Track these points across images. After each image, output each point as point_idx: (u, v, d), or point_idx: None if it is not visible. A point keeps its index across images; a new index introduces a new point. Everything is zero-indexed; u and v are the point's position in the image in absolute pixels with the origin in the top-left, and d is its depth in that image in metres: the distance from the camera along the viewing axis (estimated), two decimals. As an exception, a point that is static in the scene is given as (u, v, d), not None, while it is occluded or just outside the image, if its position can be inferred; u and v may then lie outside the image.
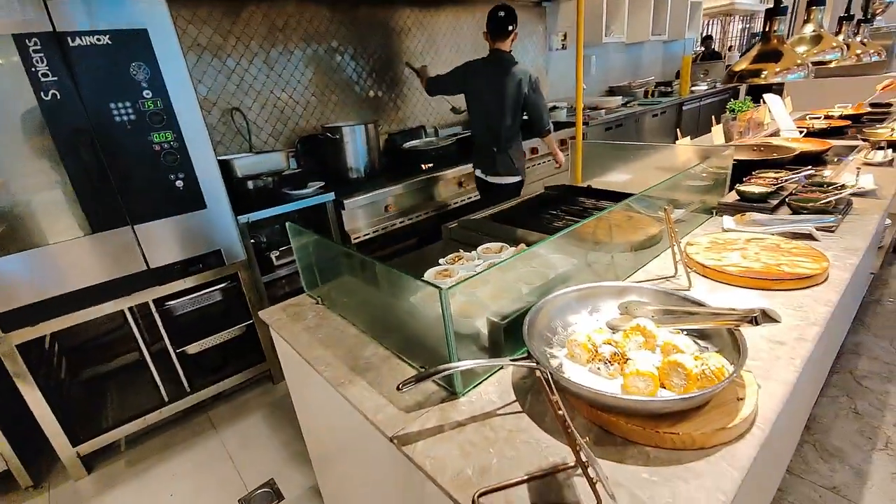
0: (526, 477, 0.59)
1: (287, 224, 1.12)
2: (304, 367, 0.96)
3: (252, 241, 2.05)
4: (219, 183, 1.79)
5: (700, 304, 0.77)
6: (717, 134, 2.19)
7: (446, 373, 0.65)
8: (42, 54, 1.40)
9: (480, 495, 0.57)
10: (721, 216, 1.37)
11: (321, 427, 1.13)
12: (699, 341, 0.75)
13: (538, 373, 0.58)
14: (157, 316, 1.83)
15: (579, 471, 0.58)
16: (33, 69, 1.40)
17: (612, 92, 4.84)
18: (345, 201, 2.27)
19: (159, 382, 1.91)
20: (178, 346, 1.90)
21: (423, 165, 2.68)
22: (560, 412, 0.52)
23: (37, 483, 1.77)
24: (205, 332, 1.97)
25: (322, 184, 2.30)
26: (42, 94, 1.41)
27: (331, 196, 2.22)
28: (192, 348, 1.94)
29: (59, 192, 1.51)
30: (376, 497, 0.95)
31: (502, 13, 2.21)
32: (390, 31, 2.99)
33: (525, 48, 3.86)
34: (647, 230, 1.21)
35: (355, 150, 2.54)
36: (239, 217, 1.92)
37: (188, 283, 1.84)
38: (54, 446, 1.71)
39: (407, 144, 2.94)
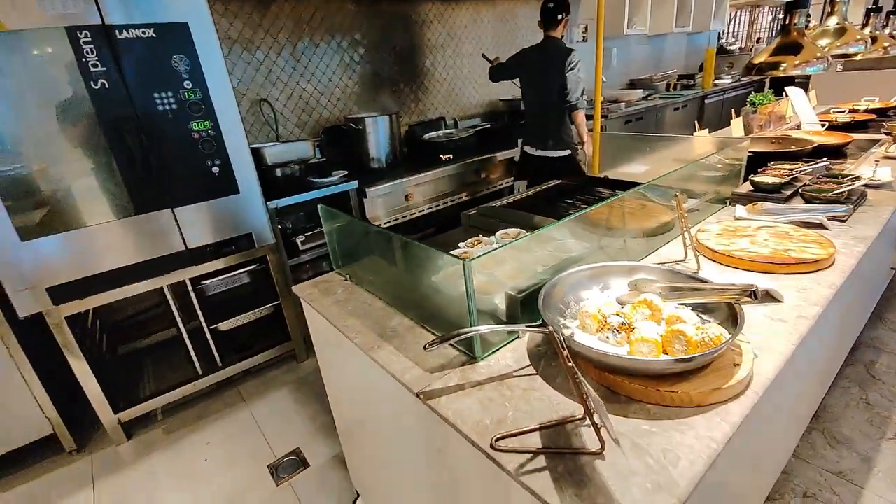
0: (538, 426, 0.66)
1: (319, 206, 1.20)
2: (335, 336, 1.05)
3: (279, 226, 2.16)
4: (251, 170, 1.89)
5: (704, 282, 0.82)
6: (736, 127, 2.20)
7: (468, 335, 0.73)
8: (92, 46, 1.51)
9: (497, 439, 0.64)
10: (734, 206, 1.41)
11: (348, 393, 1.22)
12: (702, 315, 0.80)
13: (551, 333, 0.65)
14: (192, 294, 1.95)
15: (587, 422, 0.65)
16: (83, 59, 1.51)
17: (632, 85, 4.81)
18: (367, 190, 2.36)
19: (194, 357, 2.04)
20: (211, 323, 2.02)
21: (442, 156, 2.74)
22: (570, 364, 0.59)
23: (80, 447, 1.91)
24: (235, 310, 2.09)
25: (345, 173, 2.39)
26: (91, 83, 1.53)
27: (354, 184, 2.31)
28: (224, 326, 2.06)
29: (107, 177, 1.62)
30: (400, 457, 1.04)
31: (551, 4, 2.44)
32: (412, 24, 3.05)
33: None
34: (659, 217, 1.26)
35: (377, 140, 2.63)
36: (268, 203, 2.03)
37: (221, 264, 1.96)
38: (97, 413, 1.84)
39: (427, 135, 3.01)
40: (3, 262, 1.52)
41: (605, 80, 4.07)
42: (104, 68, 1.52)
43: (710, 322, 0.78)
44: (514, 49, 2.75)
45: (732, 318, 0.75)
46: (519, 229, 1.33)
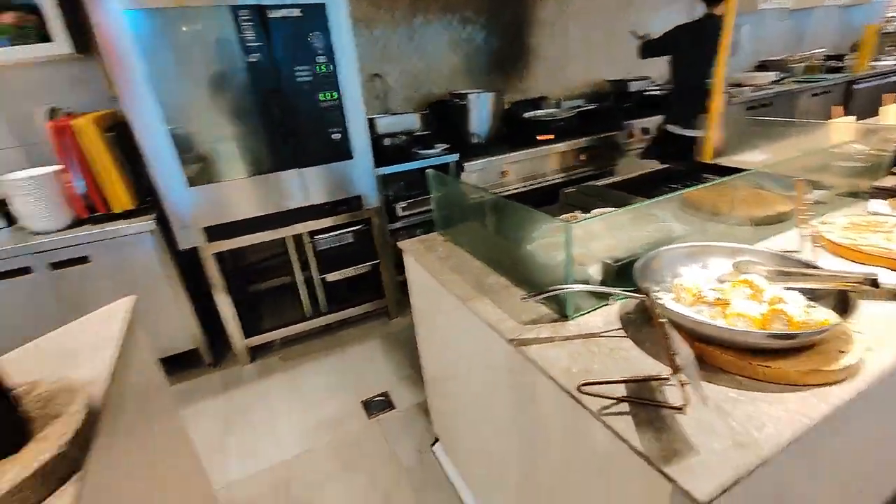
0: (623, 379, 0.71)
1: (429, 172, 1.32)
2: (434, 288, 1.17)
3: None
4: (365, 138, 2.09)
5: (817, 267, 0.79)
6: (888, 114, 1.92)
7: (566, 290, 0.79)
8: (250, 23, 1.76)
9: (583, 384, 0.71)
10: (868, 201, 1.27)
11: (439, 342, 1.35)
12: (811, 301, 0.78)
13: (646, 295, 0.69)
14: (307, 246, 2.23)
15: (671, 382, 0.69)
16: (241, 35, 1.77)
17: (763, 67, 4.30)
18: (465, 164, 2.46)
19: (305, 301, 2.34)
20: (320, 273, 2.29)
21: (541, 136, 2.74)
22: (662, 320, 0.63)
23: (215, 363, 2.31)
24: (340, 265, 2.34)
25: (447, 146, 2.52)
26: (248, 57, 1.79)
27: (455, 157, 2.43)
28: (331, 277, 2.32)
29: (253, 138, 1.90)
30: (484, 403, 1.15)
31: None
32: (522, 1, 3.04)
33: (668, 15, 3.61)
34: (773, 206, 1.19)
35: (479, 116, 2.71)
36: (376, 169, 2.22)
37: (333, 221, 2.20)
38: (230, 337, 2.21)
39: (528, 114, 3.02)
40: (173, 203, 1.87)
41: (730, 59, 3.70)
42: (258, 44, 1.78)
43: (816, 307, 0.76)
44: (628, 27, 2.63)
45: (843, 308, 0.72)
46: (616, 209, 1.33)
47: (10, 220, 1.89)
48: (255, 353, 2.33)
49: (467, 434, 1.38)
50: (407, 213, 2.46)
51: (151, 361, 1.28)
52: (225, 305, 2.14)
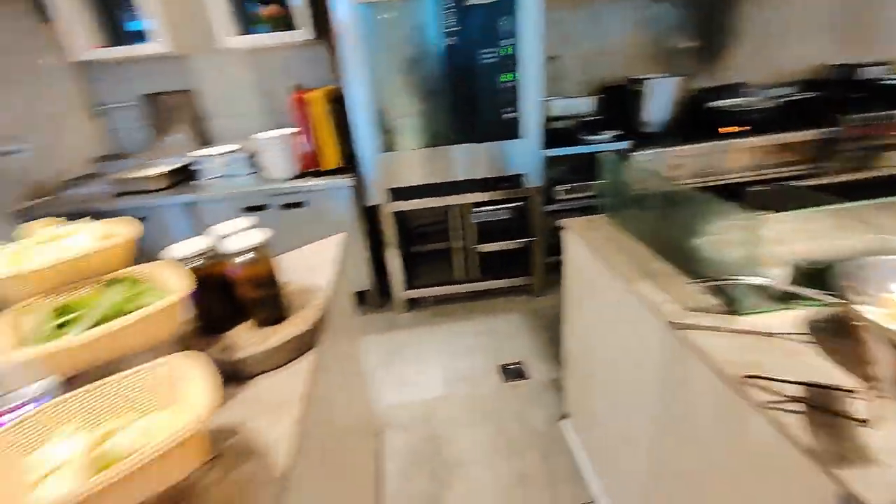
0: (797, 380, 0.68)
1: (603, 155, 1.35)
2: (593, 266, 1.22)
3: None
4: (536, 120, 2.17)
5: None
6: None
7: (741, 281, 0.78)
8: (452, 10, 1.96)
9: (748, 375, 0.70)
10: None
11: (588, 321, 1.39)
12: None
13: (845, 302, 0.65)
14: (468, 216, 2.43)
15: (860, 395, 0.64)
16: (443, 22, 1.98)
17: None
18: (634, 153, 2.36)
19: (459, 267, 2.57)
20: (476, 243, 2.49)
21: (721, 129, 2.45)
22: (863, 323, 0.60)
23: (381, 306, 2.70)
24: (496, 237, 2.50)
25: (616, 132, 2.44)
26: (448, 40, 2.00)
27: (623, 145, 2.35)
28: (485, 248, 2.50)
29: (440, 113, 2.13)
30: (627, 386, 1.17)
31: None
32: (731, -27, 2.70)
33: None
34: None
35: (655, 103, 2.54)
36: (542, 150, 2.29)
37: (494, 196, 2.35)
38: (394, 287, 2.57)
39: (715, 103, 2.71)
40: (367, 166, 2.23)
41: None
42: (456, 28, 1.97)
43: None
44: None
45: None
46: (816, 208, 1.18)
47: (254, 168, 2.48)
48: (412, 304, 2.67)
49: (601, 414, 1.42)
50: (566, 196, 2.48)
51: (347, 290, 1.61)
52: (394, 258, 2.48)
